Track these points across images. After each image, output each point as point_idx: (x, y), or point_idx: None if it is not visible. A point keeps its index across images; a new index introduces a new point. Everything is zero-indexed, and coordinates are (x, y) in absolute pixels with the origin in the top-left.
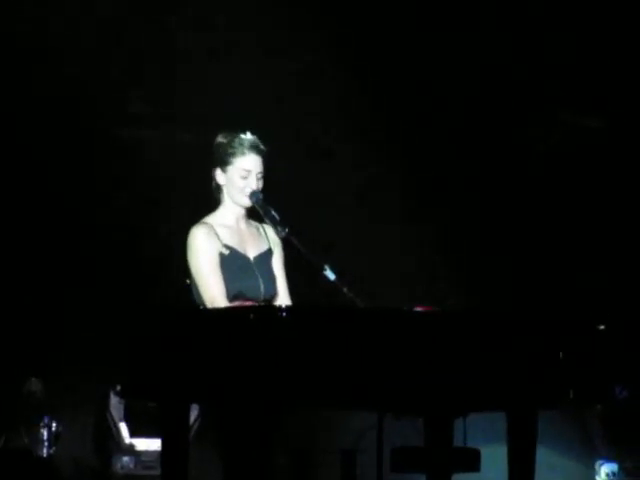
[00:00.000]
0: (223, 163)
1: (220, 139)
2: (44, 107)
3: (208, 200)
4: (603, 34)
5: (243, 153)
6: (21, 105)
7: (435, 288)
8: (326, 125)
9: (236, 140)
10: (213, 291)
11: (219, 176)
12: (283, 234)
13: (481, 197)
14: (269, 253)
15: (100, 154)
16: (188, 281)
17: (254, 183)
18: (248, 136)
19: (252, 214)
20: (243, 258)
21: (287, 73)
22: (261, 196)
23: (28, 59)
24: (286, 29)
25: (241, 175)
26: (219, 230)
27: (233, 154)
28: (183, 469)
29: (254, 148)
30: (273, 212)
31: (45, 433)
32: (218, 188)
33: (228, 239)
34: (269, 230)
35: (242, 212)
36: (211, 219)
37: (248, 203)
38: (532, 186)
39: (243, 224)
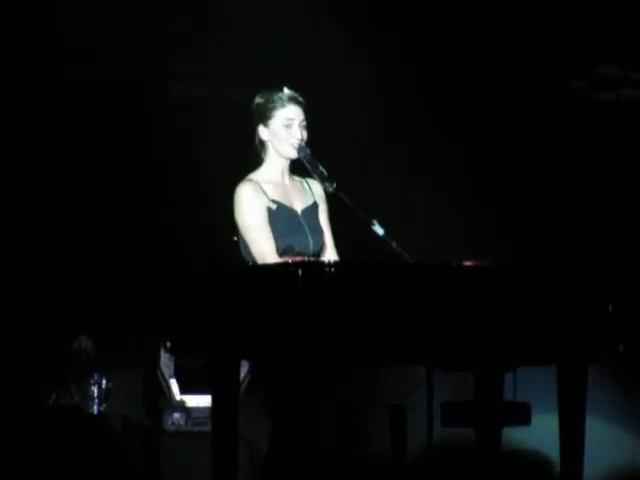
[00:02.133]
0: (265, 118)
1: (258, 99)
2: (89, 66)
3: (254, 156)
4: None
5: (283, 105)
6: (69, 63)
7: (477, 244)
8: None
9: (274, 96)
10: (263, 247)
11: (262, 132)
12: (331, 189)
13: (523, 151)
14: (315, 207)
15: (147, 112)
16: (235, 238)
17: (298, 132)
18: (286, 91)
19: (295, 170)
20: (291, 212)
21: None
22: (309, 151)
23: (74, 16)
24: None
25: (284, 124)
26: (265, 186)
27: (274, 108)
28: (233, 425)
29: (293, 99)
30: (321, 167)
31: (95, 390)
32: (262, 145)
33: (274, 194)
34: (313, 184)
35: (286, 167)
36: (256, 176)
37: (294, 154)
38: (577, 139)
39: (287, 179)
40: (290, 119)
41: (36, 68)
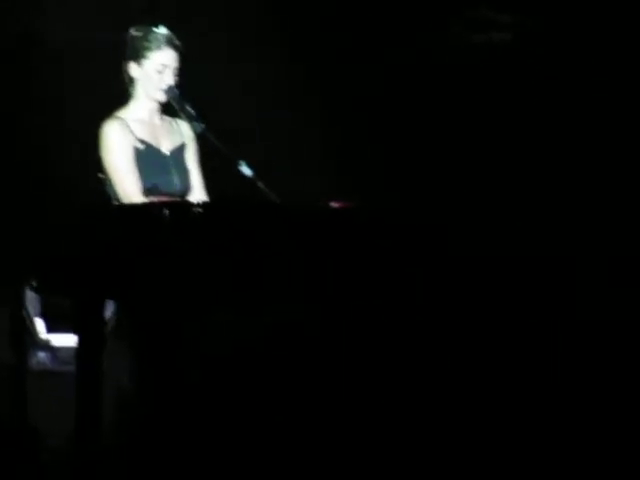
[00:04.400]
0: (138, 57)
1: (134, 32)
2: None
3: (117, 95)
4: None
5: (159, 47)
6: None
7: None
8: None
9: (151, 34)
10: (128, 186)
11: (134, 69)
12: (199, 129)
13: (392, 91)
14: (183, 148)
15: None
16: (102, 176)
17: (170, 78)
18: (162, 30)
19: (166, 110)
20: (157, 152)
21: None
22: (177, 92)
23: None
24: None
25: (157, 69)
26: (132, 125)
27: (149, 48)
28: (98, 365)
29: (170, 43)
30: (189, 108)
31: None
32: (131, 82)
33: (142, 133)
34: (183, 125)
35: (156, 107)
36: (124, 114)
37: (163, 98)
38: (449, 82)
39: (157, 119)
40: (164, 65)
41: None
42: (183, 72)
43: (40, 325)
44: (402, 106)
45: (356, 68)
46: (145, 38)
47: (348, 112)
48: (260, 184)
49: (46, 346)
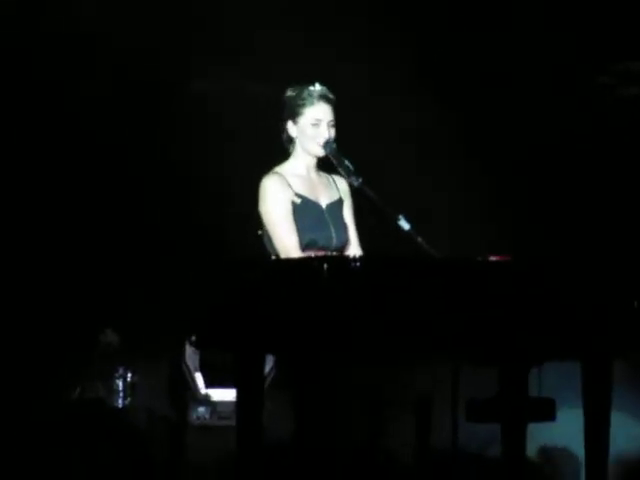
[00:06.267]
0: (294, 115)
1: (289, 92)
2: (107, 60)
3: (278, 152)
4: None
5: (312, 103)
6: (86, 54)
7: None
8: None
9: (305, 91)
10: (286, 241)
11: (291, 128)
12: (357, 184)
13: (546, 147)
14: (340, 202)
15: (167, 108)
16: (260, 232)
17: (325, 131)
18: (317, 87)
19: (321, 166)
20: (315, 206)
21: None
22: (334, 146)
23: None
24: None
25: (312, 124)
26: (291, 179)
27: (303, 105)
28: (258, 420)
29: (323, 97)
30: (347, 162)
31: (120, 384)
32: (290, 140)
33: (300, 188)
34: (339, 180)
35: (313, 162)
36: (282, 169)
37: (321, 152)
38: (600, 137)
39: (314, 174)
40: (318, 119)
41: (59, 69)
42: (340, 126)
43: (199, 380)
44: (556, 160)
45: (516, 122)
46: (299, 96)
47: (501, 168)
48: (419, 238)
49: (206, 401)
